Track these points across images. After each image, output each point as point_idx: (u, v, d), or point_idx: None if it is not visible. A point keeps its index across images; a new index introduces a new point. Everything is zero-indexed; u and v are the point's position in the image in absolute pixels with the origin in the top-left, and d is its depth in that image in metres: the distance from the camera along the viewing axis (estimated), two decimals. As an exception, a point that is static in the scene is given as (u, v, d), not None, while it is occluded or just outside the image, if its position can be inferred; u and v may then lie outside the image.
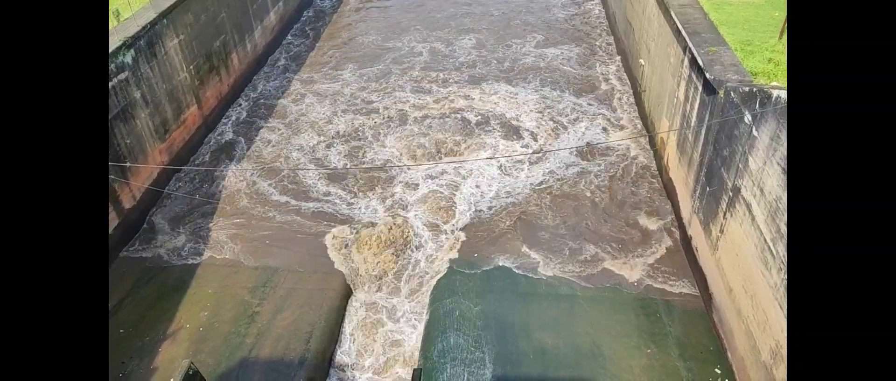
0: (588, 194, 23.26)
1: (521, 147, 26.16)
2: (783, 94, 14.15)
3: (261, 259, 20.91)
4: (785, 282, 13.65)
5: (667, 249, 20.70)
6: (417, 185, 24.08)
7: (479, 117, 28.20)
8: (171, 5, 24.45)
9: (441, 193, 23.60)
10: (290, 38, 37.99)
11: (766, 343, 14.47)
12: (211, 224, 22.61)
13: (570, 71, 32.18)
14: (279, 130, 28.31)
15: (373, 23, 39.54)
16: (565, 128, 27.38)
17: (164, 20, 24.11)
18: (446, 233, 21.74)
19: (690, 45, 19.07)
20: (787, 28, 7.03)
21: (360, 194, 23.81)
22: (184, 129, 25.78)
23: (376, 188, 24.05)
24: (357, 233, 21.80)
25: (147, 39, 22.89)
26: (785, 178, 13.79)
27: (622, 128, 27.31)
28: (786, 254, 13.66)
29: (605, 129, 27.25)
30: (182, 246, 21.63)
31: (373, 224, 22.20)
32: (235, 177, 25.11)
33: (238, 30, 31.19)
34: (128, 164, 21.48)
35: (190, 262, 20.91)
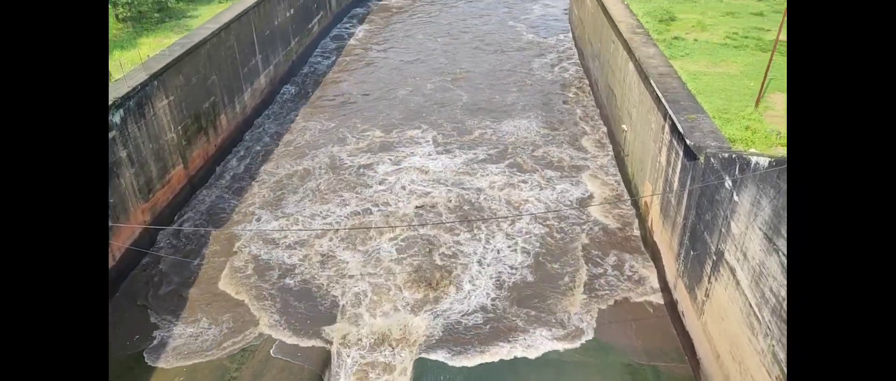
0: (570, 256, 23.25)
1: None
2: (762, 160, 14.51)
3: (239, 323, 20.39)
4: (772, 348, 13.54)
5: (651, 313, 20.56)
6: (379, 254, 23.94)
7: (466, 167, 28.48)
8: (162, 67, 24.83)
9: (421, 262, 23.47)
10: (283, 95, 38.54)
11: (756, 412, 14.19)
12: (191, 286, 22.15)
13: (550, 147, 32.82)
14: (264, 188, 28.26)
15: (363, 80, 40.29)
16: (542, 188, 27.65)
17: (155, 82, 24.43)
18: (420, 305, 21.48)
19: (670, 112, 19.65)
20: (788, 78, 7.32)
21: (347, 251, 23.58)
22: (168, 188, 25.64)
23: (358, 244, 23.87)
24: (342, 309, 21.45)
25: (136, 100, 23.10)
26: (767, 243, 13.94)
27: (604, 190, 27.65)
28: (772, 318, 13.63)
29: (587, 193, 27.56)
30: (161, 307, 21.07)
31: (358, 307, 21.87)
32: (218, 238, 24.81)
33: (228, 92, 31.64)
34: (109, 223, 21.20)
35: (168, 324, 20.32)
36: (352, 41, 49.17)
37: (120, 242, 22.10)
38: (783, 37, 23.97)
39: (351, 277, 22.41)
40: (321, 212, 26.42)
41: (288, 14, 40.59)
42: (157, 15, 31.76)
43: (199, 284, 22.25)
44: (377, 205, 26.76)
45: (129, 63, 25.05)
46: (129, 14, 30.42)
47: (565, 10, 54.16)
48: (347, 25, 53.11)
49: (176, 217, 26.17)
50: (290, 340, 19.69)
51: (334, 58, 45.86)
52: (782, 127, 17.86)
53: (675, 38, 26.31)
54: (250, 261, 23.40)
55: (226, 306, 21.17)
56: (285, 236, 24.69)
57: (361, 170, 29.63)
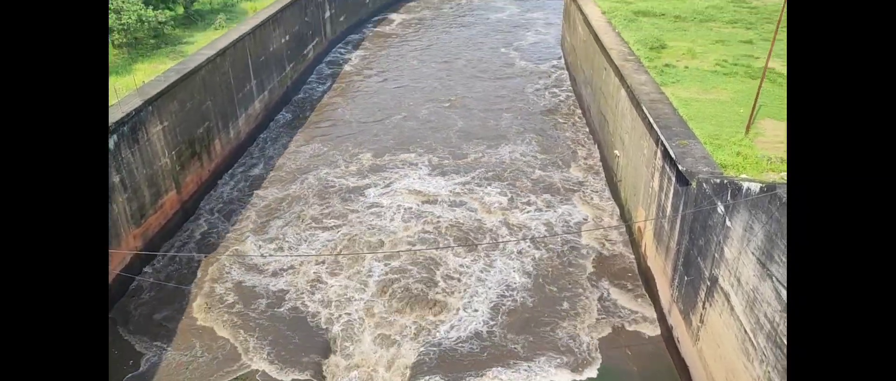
0: (566, 281, 23.18)
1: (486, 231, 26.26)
2: (753, 186, 14.62)
3: (228, 353, 20.11)
4: (768, 375, 13.46)
5: (647, 339, 20.45)
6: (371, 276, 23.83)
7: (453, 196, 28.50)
8: (157, 93, 24.90)
9: (413, 282, 23.34)
10: (278, 120, 38.62)
11: (753, 440, 14.03)
12: (180, 314, 21.89)
13: (547, 173, 33.01)
14: (257, 214, 28.14)
15: (358, 105, 40.46)
16: (540, 211, 27.68)
17: (150, 107, 24.47)
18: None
19: (662, 138, 19.82)
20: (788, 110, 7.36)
21: (338, 277, 23.41)
22: (161, 214, 25.50)
23: (345, 272, 23.71)
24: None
25: (130, 126, 23.10)
26: (760, 268, 13.96)
27: (598, 214, 27.71)
28: (767, 344, 13.58)
29: (582, 217, 27.61)
30: (147, 336, 20.78)
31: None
32: (210, 265, 24.61)
33: (223, 117, 31.70)
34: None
35: (154, 354, 20.02)
36: (347, 67, 49.54)
37: (110, 268, 21.88)
38: (772, 65, 24.34)
39: (342, 303, 22.22)
40: (313, 237, 26.29)
41: (283, 40, 40.94)
42: (152, 41, 31.95)
43: (189, 312, 21.99)
44: (371, 228, 26.67)
45: (124, 89, 25.09)
46: (124, 40, 30.60)
47: (557, 37, 54.91)
48: (343, 51, 53.58)
49: (167, 243, 25.97)
50: (280, 372, 19.42)
51: (330, 83, 46.15)
52: (772, 153, 18.03)
53: (667, 65, 26.67)
54: (240, 289, 23.18)
55: (215, 335, 20.89)
56: (277, 263, 24.52)
57: (355, 194, 29.60)
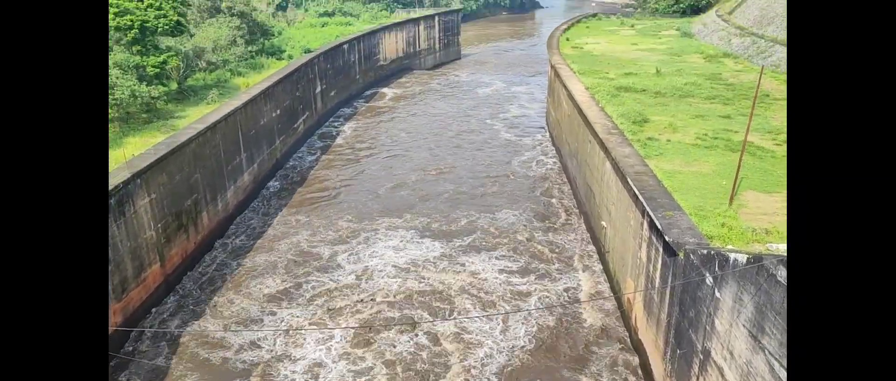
0: (556, 355, 22.70)
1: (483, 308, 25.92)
2: (740, 257, 14.70)
3: (210, 432, 19.21)
4: (767, 454, 13.04)
5: (643, 416, 19.87)
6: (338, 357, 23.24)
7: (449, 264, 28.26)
8: (146, 166, 24.97)
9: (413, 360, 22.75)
10: (267, 190, 38.67)
11: None
12: (160, 392, 21.02)
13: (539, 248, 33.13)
14: (243, 287, 27.64)
15: (348, 176, 40.75)
16: (528, 289, 27.45)
17: (138, 180, 24.47)
18: None
19: (648, 209, 20.05)
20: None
21: (324, 352, 22.75)
22: (143, 288, 24.96)
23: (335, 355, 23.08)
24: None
25: (117, 199, 23.00)
26: (752, 341, 13.82)
27: (588, 286, 27.53)
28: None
29: (571, 288, 27.42)
30: (124, 417, 19.84)
31: (335, 391, 20.93)
32: (192, 341, 23.89)
33: (211, 189, 31.72)
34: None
35: (131, 436, 19.06)
36: (338, 140, 50.31)
37: (87, 345, 21.13)
38: (750, 138, 25.08)
39: (328, 379, 21.49)
40: (299, 309, 25.74)
41: (274, 114, 41.69)
42: (144, 115, 32.38)
43: (169, 390, 21.13)
44: (359, 296, 26.21)
45: (113, 162, 25.16)
46: (116, 114, 30.99)
47: (541, 111, 56.47)
48: (335, 124, 54.59)
49: (148, 318, 25.28)
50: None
51: (319, 154, 46.68)
52: (756, 224, 18.26)
53: (649, 138, 27.36)
54: (221, 366, 22.41)
55: (195, 414, 20.00)
56: (259, 338, 23.86)
57: (342, 262, 29.27)
